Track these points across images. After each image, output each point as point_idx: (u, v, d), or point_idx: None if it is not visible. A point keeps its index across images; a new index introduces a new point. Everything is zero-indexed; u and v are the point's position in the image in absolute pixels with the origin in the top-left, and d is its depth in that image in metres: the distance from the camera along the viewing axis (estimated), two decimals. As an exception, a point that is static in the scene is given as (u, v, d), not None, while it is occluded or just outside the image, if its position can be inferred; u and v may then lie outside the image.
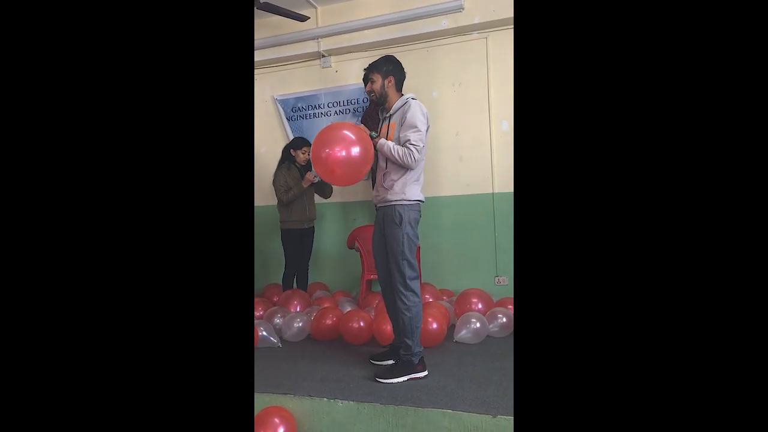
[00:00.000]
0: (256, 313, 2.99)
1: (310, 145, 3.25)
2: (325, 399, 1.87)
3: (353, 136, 1.96)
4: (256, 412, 1.83)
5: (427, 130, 2.05)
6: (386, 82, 2.09)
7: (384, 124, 2.13)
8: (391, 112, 2.09)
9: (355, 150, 1.94)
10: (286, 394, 1.93)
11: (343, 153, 1.93)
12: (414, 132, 1.97)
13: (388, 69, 2.09)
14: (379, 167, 2.12)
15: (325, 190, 3.32)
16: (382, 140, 2.03)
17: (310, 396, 1.90)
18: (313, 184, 3.20)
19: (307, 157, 3.24)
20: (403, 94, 2.12)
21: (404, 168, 2.01)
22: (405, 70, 2.15)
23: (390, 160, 2.02)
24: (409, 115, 2.00)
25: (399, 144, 2.00)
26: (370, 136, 2.05)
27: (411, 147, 1.95)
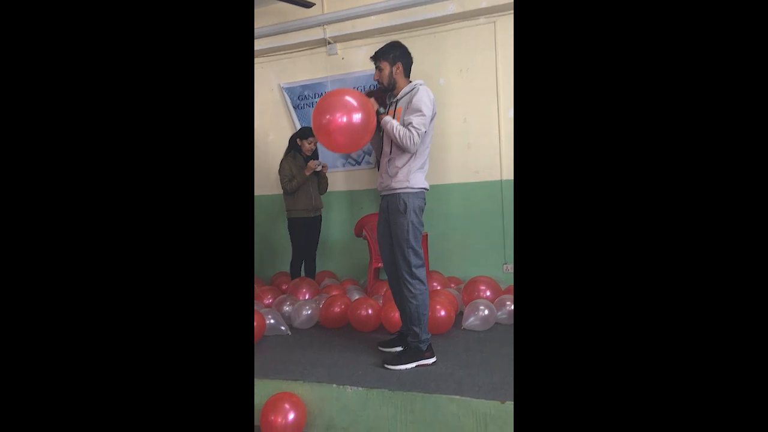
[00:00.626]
0: (266, 301, 3.02)
1: None
2: (334, 385, 1.89)
3: (354, 102, 1.91)
4: (266, 398, 1.86)
5: (433, 117, 2.03)
6: (394, 69, 2.07)
7: (390, 108, 2.12)
8: (399, 96, 2.08)
9: (357, 116, 1.89)
10: (296, 380, 1.95)
11: (344, 119, 1.88)
12: (417, 116, 1.96)
13: (395, 55, 2.07)
14: (383, 153, 2.11)
15: (321, 185, 3.32)
16: (388, 117, 2.02)
17: (319, 382, 1.92)
18: (315, 173, 3.20)
19: (313, 147, 3.23)
20: (411, 81, 2.10)
21: (405, 151, 2.00)
22: (412, 55, 2.13)
23: (391, 139, 2.01)
24: (414, 99, 1.99)
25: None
26: (378, 111, 2.03)
27: (412, 129, 1.94)
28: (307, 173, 3.14)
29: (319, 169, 3.17)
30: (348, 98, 1.93)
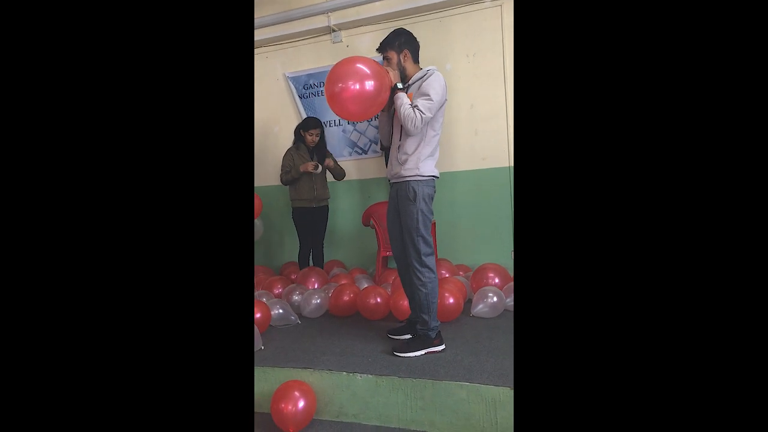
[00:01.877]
0: (276, 291, 3.03)
1: (319, 126, 3.22)
2: (344, 373, 1.90)
3: (367, 70, 1.88)
4: (276, 386, 1.88)
5: (443, 104, 2.01)
6: (402, 56, 2.04)
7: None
8: (410, 82, 2.06)
9: (369, 84, 1.86)
10: (306, 368, 1.97)
11: (357, 87, 1.86)
12: (424, 99, 1.94)
13: (400, 42, 2.04)
14: (393, 140, 2.10)
15: (337, 172, 3.31)
16: (401, 93, 2.00)
17: (329, 370, 1.93)
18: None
19: (316, 139, 3.21)
20: (422, 67, 2.07)
21: (410, 135, 1.98)
22: (417, 40, 2.10)
23: (396, 115, 2.00)
24: (424, 84, 1.97)
25: None
26: (396, 86, 2.01)
27: (416, 112, 1.93)
28: (302, 170, 3.12)
29: (317, 171, 3.14)
30: (360, 66, 1.90)
